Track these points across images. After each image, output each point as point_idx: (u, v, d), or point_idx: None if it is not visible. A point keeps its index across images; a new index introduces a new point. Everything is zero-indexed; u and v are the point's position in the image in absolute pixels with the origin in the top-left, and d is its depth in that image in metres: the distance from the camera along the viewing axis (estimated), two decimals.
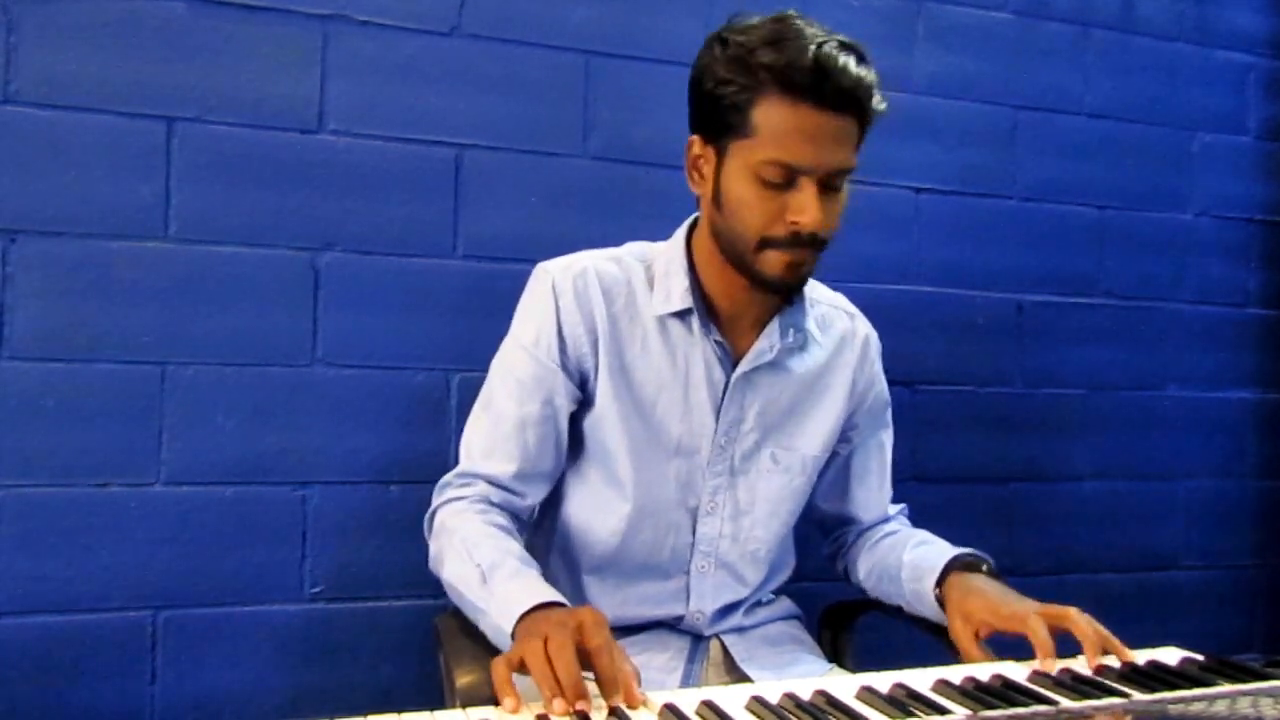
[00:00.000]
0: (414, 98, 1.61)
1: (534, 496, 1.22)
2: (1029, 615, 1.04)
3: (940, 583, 1.19)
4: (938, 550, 1.24)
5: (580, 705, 0.85)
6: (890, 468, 1.39)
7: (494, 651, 1.05)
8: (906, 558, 1.25)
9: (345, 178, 1.57)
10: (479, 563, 1.07)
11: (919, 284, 1.90)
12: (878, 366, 1.36)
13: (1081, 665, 1.00)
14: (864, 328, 1.35)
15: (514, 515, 1.19)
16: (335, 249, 1.57)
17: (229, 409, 1.52)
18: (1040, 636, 1.01)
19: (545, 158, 1.67)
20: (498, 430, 1.19)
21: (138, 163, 1.49)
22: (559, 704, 0.85)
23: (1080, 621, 1.03)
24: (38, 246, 1.45)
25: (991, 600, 1.11)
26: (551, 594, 1.01)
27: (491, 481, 1.18)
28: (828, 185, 1.09)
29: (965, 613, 1.12)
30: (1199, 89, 2.09)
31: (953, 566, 1.19)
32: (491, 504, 1.18)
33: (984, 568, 1.20)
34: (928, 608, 1.22)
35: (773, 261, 1.11)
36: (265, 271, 1.54)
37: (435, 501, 1.21)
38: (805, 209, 1.07)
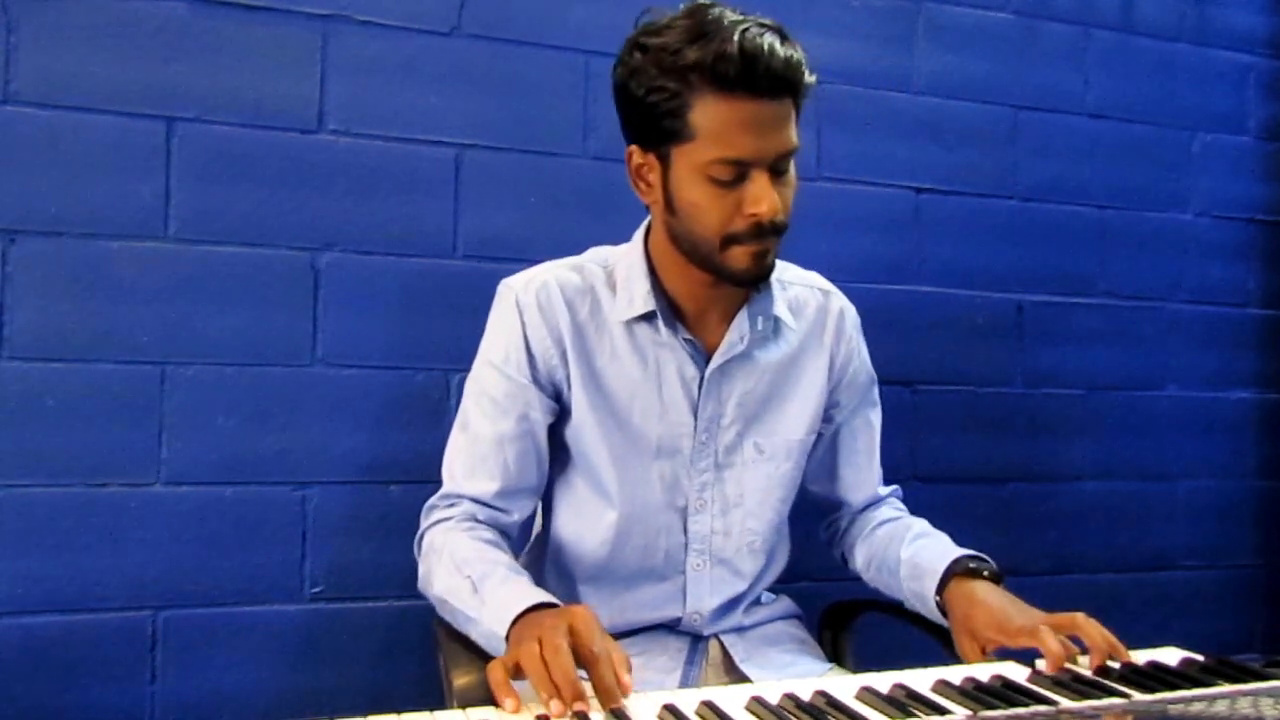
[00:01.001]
0: (414, 98, 1.61)
1: (519, 512, 1.22)
2: (1038, 628, 1.02)
3: (941, 588, 1.18)
4: (936, 548, 1.23)
5: (578, 706, 0.85)
6: (879, 448, 1.37)
7: (489, 655, 1.05)
8: (904, 554, 1.24)
9: (345, 178, 1.57)
10: (469, 574, 1.07)
11: (919, 284, 1.90)
12: (857, 341, 1.34)
13: (1082, 666, 1.00)
14: (839, 302, 1.32)
15: (501, 531, 1.20)
16: (335, 249, 1.58)
17: (229, 409, 1.52)
18: (1052, 648, 1.00)
19: (545, 158, 1.67)
20: (476, 450, 1.19)
21: (138, 163, 1.49)
22: (556, 705, 0.85)
23: (1088, 627, 1.02)
24: (38, 246, 1.45)
25: (997, 615, 1.09)
26: (543, 595, 1.01)
27: (476, 500, 1.19)
28: (776, 170, 1.08)
29: (971, 629, 1.11)
30: (1199, 89, 2.10)
31: (954, 571, 1.18)
32: (478, 521, 1.18)
33: (985, 573, 1.18)
34: (928, 611, 1.21)
35: (739, 257, 1.10)
36: (265, 271, 1.54)
37: (423, 524, 1.21)
38: (761, 199, 1.06)
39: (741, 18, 1.04)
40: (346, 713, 0.87)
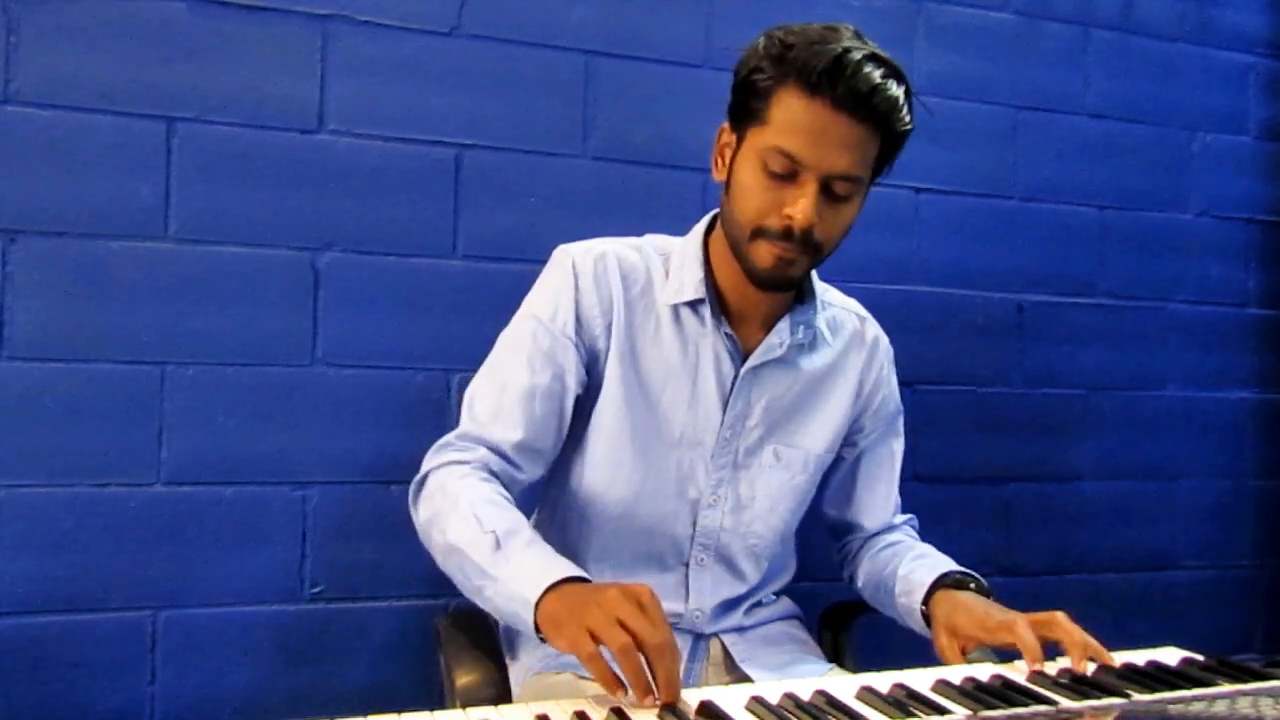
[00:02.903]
0: (414, 98, 1.61)
1: (529, 473, 1.20)
2: (1015, 622, 1.03)
3: (927, 600, 1.18)
4: (931, 566, 1.23)
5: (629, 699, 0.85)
6: (898, 478, 1.39)
7: (490, 649, 1.04)
8: (901, 570, 1.25)
9: (345, 178, 1.57)
10: (492, 529, 1.04)
11: (919, 284, 1.90)
12: (888, 370, 1.35)
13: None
14: (874, 330, 1.35)
15: (508, 491, 1.17)
16: (335, 249, 1.57)
17: (229, 409, 1.52)
18: (1028, 642, 1.01)
19: (545, 158, 1.67)
20: (505, 396, 1.17)
21: (138, 163, 1.49)
22: (642, 697, 0.85)
23: (1066, 625, 1.03)
24: (38, 246, 1.45)
25: (978, 614, 1.10)
26: (576, 568, 0.99)
27: (493, 449, 1.16)
28: (831, 190, 1.09)
29: (951, 627, 1.12)
30: (1199, 89, 2.09)
31: (941, 584, 1.19)
32: (492, 473, 1.15)
33: (972, 585, 1.19)
34: (915, 623, 1.22)
35: (762, 252, 1.11)
36: (265, 271, 1.54)
37: (431, 463, 1.17)
38: (798, 204, 1.07)
39: (865, 45, 1.07)
40: (346, 713, 0.87)
